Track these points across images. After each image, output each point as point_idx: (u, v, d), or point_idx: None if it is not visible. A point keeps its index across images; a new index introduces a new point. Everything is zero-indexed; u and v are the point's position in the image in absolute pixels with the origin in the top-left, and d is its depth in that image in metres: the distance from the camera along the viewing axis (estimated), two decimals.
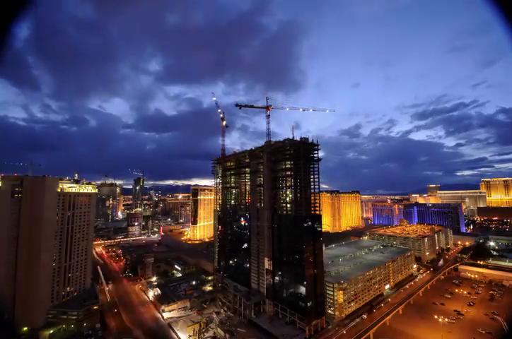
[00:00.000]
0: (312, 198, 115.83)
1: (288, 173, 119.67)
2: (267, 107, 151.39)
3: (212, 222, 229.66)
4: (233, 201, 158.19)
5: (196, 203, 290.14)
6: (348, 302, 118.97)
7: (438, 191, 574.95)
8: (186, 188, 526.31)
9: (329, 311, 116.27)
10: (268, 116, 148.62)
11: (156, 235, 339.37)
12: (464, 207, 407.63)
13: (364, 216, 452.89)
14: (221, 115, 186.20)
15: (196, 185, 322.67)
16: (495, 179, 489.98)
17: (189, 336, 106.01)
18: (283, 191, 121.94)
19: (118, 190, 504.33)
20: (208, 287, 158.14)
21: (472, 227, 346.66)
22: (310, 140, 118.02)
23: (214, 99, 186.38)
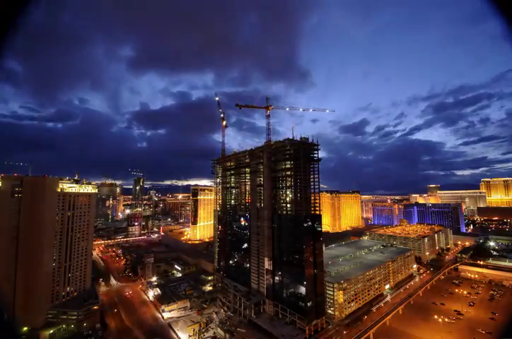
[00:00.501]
0: (312, 198, 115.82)
1: (288, 173, 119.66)
2: (267, 107, 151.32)
3: (212, 222, 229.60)
4: (233, 201, 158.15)
5: (196, 203, 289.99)
6: (348, 302, 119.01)
7: (438, 191, 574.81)
8: (186, 188, 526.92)
9: (329, 311, 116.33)
10: (268, 116, 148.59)
11: (156, 235, 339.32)
12: (464, 207, 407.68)
13: (364, 216, 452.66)
14: (222, 115, 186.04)
15: (196, 185, 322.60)
16: (495, 179, 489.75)
17: (189, 336, 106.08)
18: (283, 191, 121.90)
19: (118, 190, 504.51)
20: (208, 287, 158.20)
21: (472, 227, 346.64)
22: (310, 140, 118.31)
23: (217, 99, 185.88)
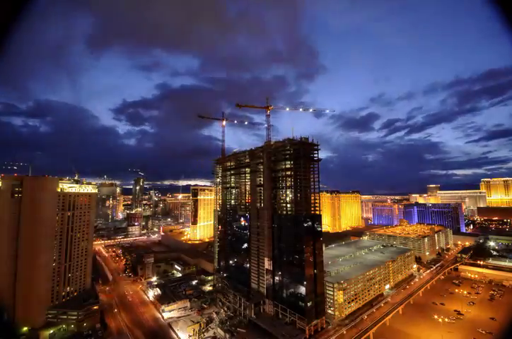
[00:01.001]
0: (312, 198, 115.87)
1: (288, 173, 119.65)
2: (267, 107, 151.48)
3: (212, 222, 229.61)
4: (233, 201, 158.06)
5: (196, 203, 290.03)
6: (348, 302, 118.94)
7: (438, 191, 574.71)
8: (186, 188, 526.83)
9: (329, 311, 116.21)
10: (268, 116, 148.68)
11: (156, 235, 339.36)
12: (464, 207, 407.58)
13: (364, 216, 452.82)
14: (222, 115, 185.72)
15: (196, 185, 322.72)
16: (495, 179, 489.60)
17: (189, 336, 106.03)
18: (283, 191, 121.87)
19: (118, 190, 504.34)
20: (208, 287, 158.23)
21: (472, 227, 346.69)
22: (310, 140, 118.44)
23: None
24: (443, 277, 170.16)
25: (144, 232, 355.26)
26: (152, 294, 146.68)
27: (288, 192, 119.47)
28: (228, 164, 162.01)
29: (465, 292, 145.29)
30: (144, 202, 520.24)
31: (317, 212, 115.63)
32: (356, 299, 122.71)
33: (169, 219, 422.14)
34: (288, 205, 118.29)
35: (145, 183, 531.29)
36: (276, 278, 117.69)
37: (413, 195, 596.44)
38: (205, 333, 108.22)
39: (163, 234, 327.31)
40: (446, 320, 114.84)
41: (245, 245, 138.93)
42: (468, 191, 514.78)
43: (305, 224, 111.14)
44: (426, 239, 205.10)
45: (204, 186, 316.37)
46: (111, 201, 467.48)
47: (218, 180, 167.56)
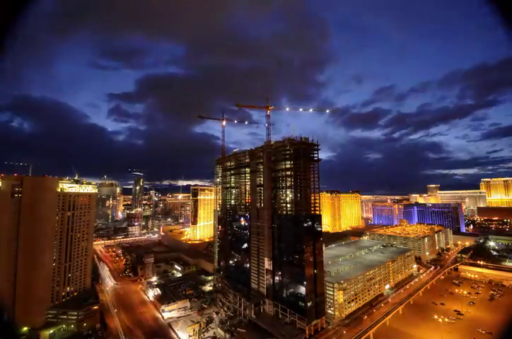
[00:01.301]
0: (312, 198, 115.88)
1: (288, 173, 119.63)
2: (267, 107, 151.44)
3: (212, 222, 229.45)
4: (232, 201, 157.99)
5: (196, 203, 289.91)
6: (348, 302, 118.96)
7: (438, 191, 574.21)
8: (186, 188, 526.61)
9: (329, 311, 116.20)
10: (268, 117, 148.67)
11: (156, 235, 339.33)
12: (464, 207, 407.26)
13: (364, 216, 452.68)
14: (222, 115, 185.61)
15: (196, 185, 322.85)
16: (495, 179, 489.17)
17: (189, 336, 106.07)
18: (283, 190, 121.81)
19: (118, 190, 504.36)
20: (208, 287, 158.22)
21: (472, 227, 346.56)
22: (310, 139, 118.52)
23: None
24: (443, 277, 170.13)
25: (144, 231, 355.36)
26: (152, 294, 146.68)
27: (288, 192, 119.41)
28: (228, 164, 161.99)
29: (465, 292, 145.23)
30: (144, 202, 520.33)
31: (317, 212, 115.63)
32: (356, 299, 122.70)
33: (169, 219, 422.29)
34: (288, 205, 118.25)
35: (145, 183, 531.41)
36: (276, 278, 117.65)
37: (413, 195, 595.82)
38: (205, 333, 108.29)
39: (163, 234, 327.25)
40: (446, 320, 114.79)
41: (245, 245, 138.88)
42: (468, 191, 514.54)
43: (305, 224, 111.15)
44: (426, 239, 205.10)
45: (204, 186, 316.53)
46: (111, 201, 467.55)
47: (218, 180, 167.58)
